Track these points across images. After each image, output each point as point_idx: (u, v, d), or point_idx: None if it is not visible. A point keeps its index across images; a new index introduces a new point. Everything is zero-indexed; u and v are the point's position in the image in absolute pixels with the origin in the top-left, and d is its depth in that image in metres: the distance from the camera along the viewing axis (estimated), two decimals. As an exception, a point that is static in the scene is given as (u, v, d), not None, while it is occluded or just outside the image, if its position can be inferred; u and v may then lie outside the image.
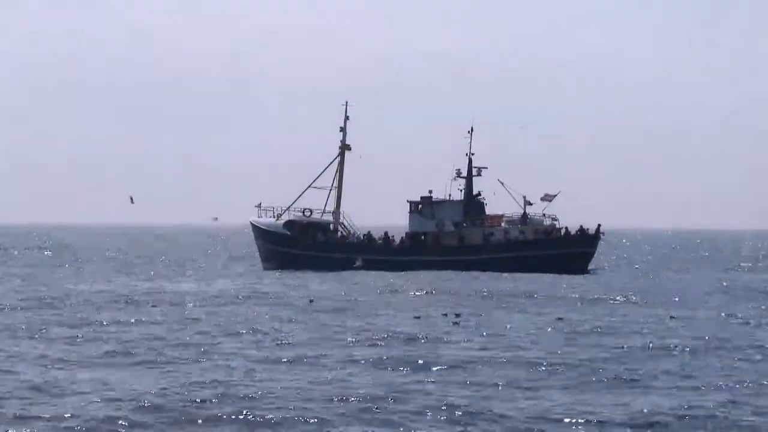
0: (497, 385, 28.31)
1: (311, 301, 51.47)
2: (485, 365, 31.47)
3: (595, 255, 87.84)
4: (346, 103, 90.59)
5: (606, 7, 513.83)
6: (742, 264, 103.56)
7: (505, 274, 75.48)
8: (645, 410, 25.16)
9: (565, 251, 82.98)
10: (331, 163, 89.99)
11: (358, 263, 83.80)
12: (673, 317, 45.44)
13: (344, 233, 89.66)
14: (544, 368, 30.93)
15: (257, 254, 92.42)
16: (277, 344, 35.81)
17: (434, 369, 30.74)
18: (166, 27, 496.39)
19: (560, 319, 44.56)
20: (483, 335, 38.43)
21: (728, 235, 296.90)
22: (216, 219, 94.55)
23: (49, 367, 30.64)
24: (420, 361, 31.94)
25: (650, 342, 36.65)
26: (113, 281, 68.59)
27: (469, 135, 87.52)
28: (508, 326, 41.45)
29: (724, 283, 70.30)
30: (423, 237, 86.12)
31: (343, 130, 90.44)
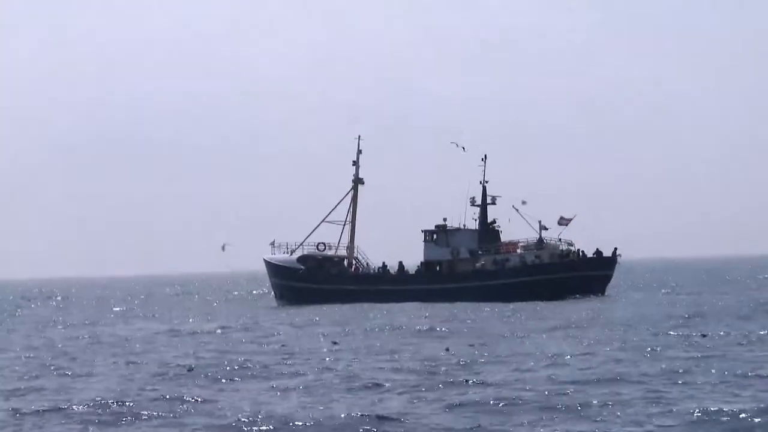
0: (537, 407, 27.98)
1: (335, 342, 48.24)
2: (529, 389, 31.08)
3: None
4: (359, 137, 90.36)
5: (607, 35, 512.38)
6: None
7: (515, 303, 74.73)
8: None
9: (582, 274, 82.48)
10: (344, 197, 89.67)
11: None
12: (705, 335, 45.21)
13: (359, 267, 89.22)
14: (574, 390, 30.55)
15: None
16: (307, 378, 35.28)
17: (473, 395, 30.30)
18: (176, 71, 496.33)
19: (596, 342, 44.05)
20: (513, 361, 37.92)
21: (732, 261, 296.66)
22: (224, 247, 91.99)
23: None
24: (459, 388, 31.59)
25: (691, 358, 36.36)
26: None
27: (483, 163, 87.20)
28: (540, 352, 40.93)
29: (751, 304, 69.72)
30: (438, 265, 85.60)
31: (356, 164, 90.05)
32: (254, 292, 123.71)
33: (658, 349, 40.19)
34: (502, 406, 28.49)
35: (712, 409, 26.84)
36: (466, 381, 33.08)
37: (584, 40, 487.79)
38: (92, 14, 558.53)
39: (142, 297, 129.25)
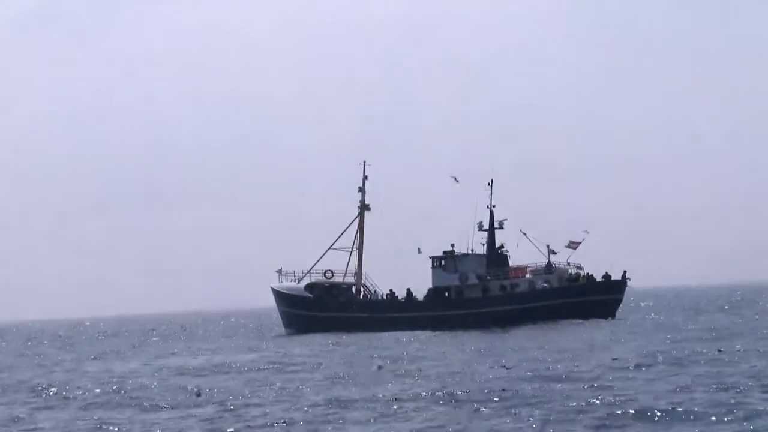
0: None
1: (380, 366, 46.16)
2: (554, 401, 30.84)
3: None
4: (364, 162, 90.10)
5: (612, 53, 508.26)
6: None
7: (527, 328, 74.29)
8: None
9: (592, 299, 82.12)
10: (351, 224, 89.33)
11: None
12: (721, 350, 45.46)
13: (367, 294, 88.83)
14: (590, 403, 30.41)
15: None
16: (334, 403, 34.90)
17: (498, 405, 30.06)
18: (181, 94, 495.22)
19: (615, 359, 43.82)
20: (537, 378, 37.63)
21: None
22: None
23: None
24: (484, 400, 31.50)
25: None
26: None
27: (489, 187, 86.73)
28: (555, 369, 40.71)
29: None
30: (447, 292, 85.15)
31: (362, 190, 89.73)
32: (249, 325, 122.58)
33: (676, 363, 40.28)
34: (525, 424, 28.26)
35: (724, 410, 27.49)
36: (485, 397, 32.87)
37: (591, 63, 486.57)
38: (92, 24, 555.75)
39: (150, 332, 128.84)
